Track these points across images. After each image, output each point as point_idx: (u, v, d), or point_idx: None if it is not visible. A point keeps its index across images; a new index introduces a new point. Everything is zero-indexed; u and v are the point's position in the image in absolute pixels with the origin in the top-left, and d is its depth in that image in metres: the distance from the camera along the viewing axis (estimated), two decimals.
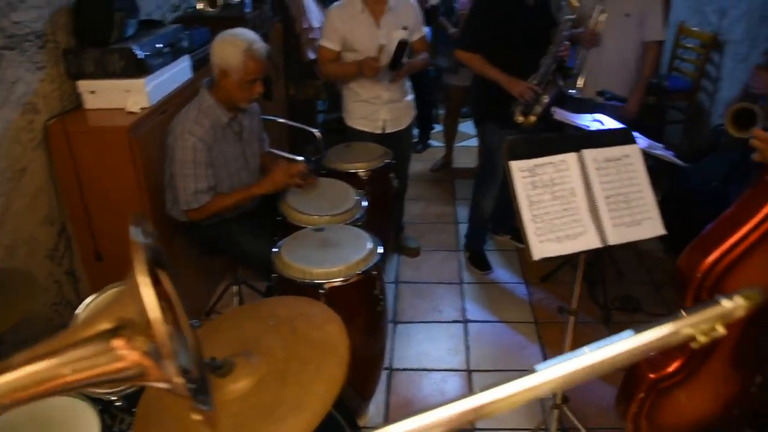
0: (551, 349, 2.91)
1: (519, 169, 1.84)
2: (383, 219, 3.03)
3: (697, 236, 1.76)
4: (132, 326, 0.69)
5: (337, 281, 2.13)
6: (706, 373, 1.87)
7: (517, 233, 3.78)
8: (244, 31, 2.41)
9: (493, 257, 3.66)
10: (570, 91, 3.14)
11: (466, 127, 5.34)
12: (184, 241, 2.66)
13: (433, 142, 5.28)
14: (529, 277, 3.48)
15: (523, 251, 2.02)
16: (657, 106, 3.76)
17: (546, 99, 3.00)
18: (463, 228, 3.85)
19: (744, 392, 1.97)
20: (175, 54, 2.71)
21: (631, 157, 1.96)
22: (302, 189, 2.63)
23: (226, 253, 2.68)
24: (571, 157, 1.89)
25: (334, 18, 3.05)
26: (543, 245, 1.81)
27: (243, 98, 2.43)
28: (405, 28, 3.07)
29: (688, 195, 3.32)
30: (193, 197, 2.41)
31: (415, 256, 3.68)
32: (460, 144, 4.87)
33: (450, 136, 4.80)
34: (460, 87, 4.39)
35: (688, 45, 4.40)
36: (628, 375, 1.92)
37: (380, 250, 2.29)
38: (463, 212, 4.13)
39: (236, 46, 2.32)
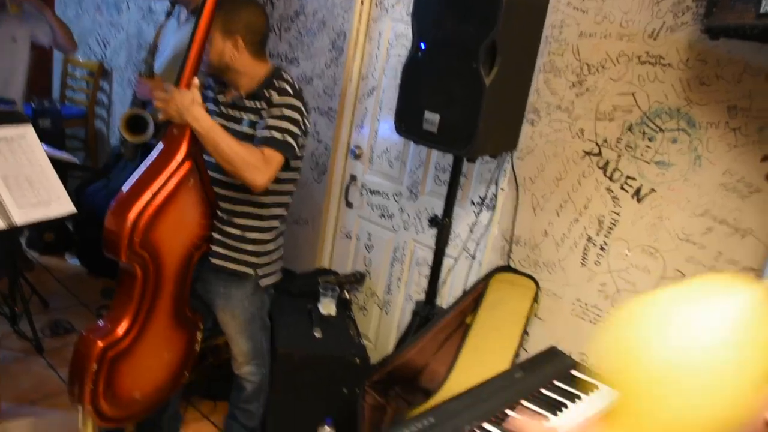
0: None
1: None
2: None
3: (120, 195, 1.78)
4: None
5: None
6: (152, 334, 1.91)
7: None
8: None
9: None
10: None
11: None
12: None
13: None
14: None
15: None
16: (54, 132, 3.65)
17: None
18: None
19: (190, 353, 2.09)
20: None
21: (28, 138, 1.87)
22: None
23: None
24: None
25: None
26: None
27: None
28: None
29: (100, 213, 3.33)
30: None
31: None
32: None
33: None
34: None
35: (77, 75, 4.46)
36: (77, 351, 1.78)
37: None
38: None
39: None
